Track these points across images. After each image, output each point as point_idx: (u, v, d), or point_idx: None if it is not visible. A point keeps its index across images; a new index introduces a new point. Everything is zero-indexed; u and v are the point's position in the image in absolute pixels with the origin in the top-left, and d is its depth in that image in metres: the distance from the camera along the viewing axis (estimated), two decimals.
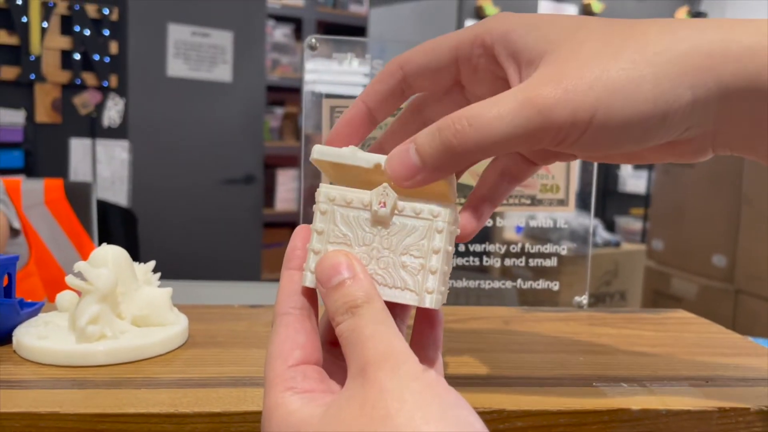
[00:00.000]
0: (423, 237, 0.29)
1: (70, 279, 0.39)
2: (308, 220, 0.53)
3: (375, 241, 0.29)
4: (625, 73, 0.27)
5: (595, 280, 2.47)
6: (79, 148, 2.39)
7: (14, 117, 2.24)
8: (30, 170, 2.26)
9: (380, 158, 0.30)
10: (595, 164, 0.55)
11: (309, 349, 0.28)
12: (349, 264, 0.28)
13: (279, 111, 3.47)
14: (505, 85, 0.32)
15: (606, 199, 3.51)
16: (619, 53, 0.27)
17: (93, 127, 2.40)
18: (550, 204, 0.55)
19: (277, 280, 0.31)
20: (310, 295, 0.30)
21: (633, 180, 3.56)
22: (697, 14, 3.79)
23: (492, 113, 0.27)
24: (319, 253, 0.29)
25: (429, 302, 0.28)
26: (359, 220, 0.29)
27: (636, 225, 3.42)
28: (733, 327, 1.99)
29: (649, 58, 0.27)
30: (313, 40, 0.51)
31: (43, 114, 2.32)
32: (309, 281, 0.29)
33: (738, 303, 1.89)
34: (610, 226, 3.36)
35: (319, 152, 0.31)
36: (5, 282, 0.42)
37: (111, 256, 0.41)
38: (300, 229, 0.31)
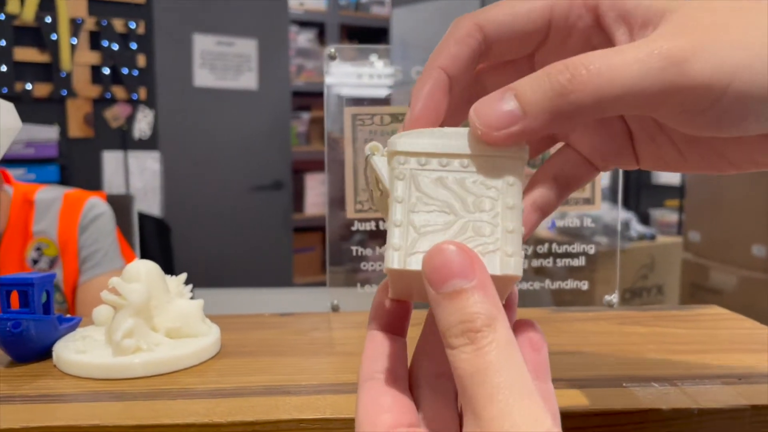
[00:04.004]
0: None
1: (105, 295, 0.40)
2: (334, 222, 0.54)
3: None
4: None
5: (632, 275, 2.43)
6: (111, 160, 2.44)
7: (49, 133, 2.30)
8: (66, 184, 2.31)
9: None
10: None
11: (397, 412, 0.24)
12: (469, 264, 0.21)
13: (305, 116, 3.49)
14: None
15: (640, 191, 3.46)
16: (760, 12, 0.23)
17: (124, 140, 2.45)
18: (576, 203, 0.55)
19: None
20: (397, 312, 0.27)
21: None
22: None
23: (617, 59, 0.22)
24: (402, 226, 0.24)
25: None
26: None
27: (671, 217, 3.36)
28: None
29: None
30: (333, 50, 0.52)
31: (76, 129, 2.37)
32: (397, 262, 0.24)
33: None
34: (645, 219, 3.31)
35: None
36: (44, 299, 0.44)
37: (144, 270, 0.42)
38: (385, 285, 0.27)
